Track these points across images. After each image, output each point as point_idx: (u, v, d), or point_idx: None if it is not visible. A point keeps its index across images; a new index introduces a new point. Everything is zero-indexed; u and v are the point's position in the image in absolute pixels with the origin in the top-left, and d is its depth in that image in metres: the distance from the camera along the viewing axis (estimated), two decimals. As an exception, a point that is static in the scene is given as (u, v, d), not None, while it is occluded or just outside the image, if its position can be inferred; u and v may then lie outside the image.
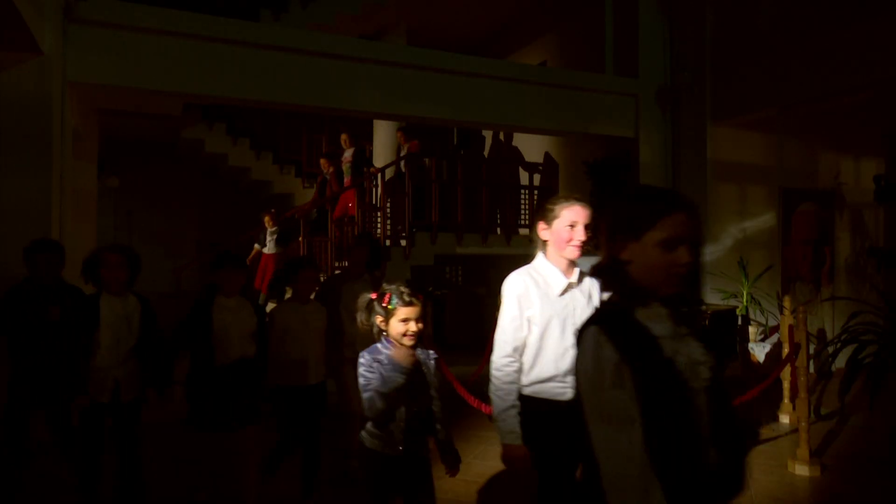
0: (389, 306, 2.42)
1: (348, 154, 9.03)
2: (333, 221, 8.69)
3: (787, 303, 5.52)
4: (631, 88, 7.27)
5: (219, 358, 3.38)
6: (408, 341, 2.42)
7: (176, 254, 10.83)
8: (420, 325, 2.44)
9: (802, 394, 4.24)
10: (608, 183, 7.50)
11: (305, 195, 10.01)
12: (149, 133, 9.97)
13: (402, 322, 2.41)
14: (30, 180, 4.76)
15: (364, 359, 2.42)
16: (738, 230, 7.20)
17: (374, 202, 8.71)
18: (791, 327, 4.91)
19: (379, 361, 2.39)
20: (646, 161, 7.27)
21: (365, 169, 8.81)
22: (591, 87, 7.13)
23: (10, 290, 3.83)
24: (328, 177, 9.31)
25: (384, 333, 2.46)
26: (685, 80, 7.18)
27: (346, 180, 8.97)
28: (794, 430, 4.93)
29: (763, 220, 7.38)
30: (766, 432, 5.16)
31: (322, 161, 9.43)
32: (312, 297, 3.86)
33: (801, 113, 6.98)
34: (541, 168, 9.17)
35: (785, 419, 5.46)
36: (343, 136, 9.13)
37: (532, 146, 9.64)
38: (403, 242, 8.11)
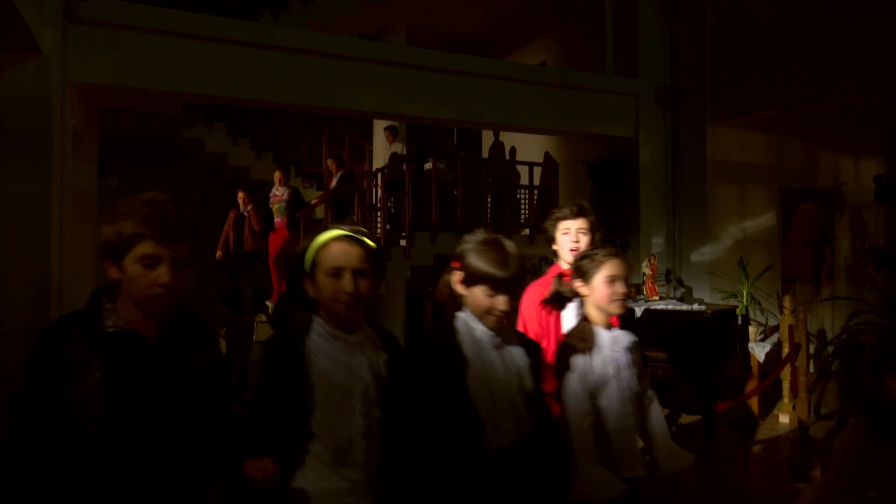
0: None
1: (282, 193, 8.21)
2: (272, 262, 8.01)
3: (787, 303, 5.52)
4: (631, 88, 7.27)
5: (490, 439, 1.75)
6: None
7: (176, 254, 10.79)
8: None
9: (802, 394, 4.24)
10: (608, 183, 7.50)
11: (305, 195, 9.97)
12: (149, 133, 9.95)
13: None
14: (30, 180, 4.76)
15: None
16: (738, 230, 7.20)
17: (374, 202, 8.71)
18: (791, 327, 4.91)
19: None
20: (646, 161, 7.28)
21: (296, 214, 7.97)
22: (591, 87, 7.13)
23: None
24: (246, 213, 8.27)
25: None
26: (685, 80, 7.18)
27: (276, 220, 8.18)
28: (795, 430, 4.93)
29: (763, 220, 7.38)
30: (766, 432, 5.16)
31: (240, 194, 8.32)
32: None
33: (801, 113, 6.97)
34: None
35: (785, 419, 5.46)
36: (277, 174, 8.33)
37: (532, 146, 9.64)
38: (403, 242, 8.11)
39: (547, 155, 9.44)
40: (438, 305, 2.02)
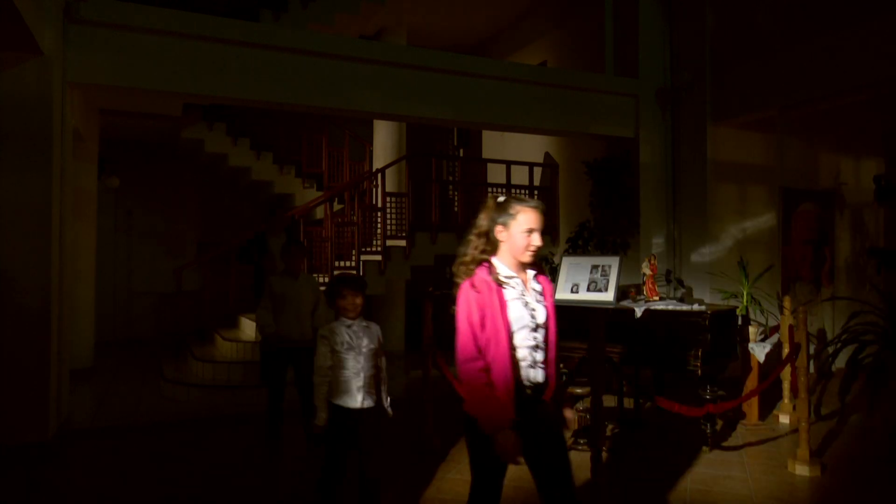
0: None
1: None
2: None
3: (787, 303, 5.52)
4: (631, 88, 7.27)
5: None
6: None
7: (176, 254, 10.83)
8: None
9: (802, 394, 4.24)
10: (608, 183, 7.51)
11: (305, 195, 9.98)
12: (149, 133, 9.95)
13: None
14: (30, 180, 4.76)
15: None
16: (738, 230, 7.21)
17: (374, 202, 8.71)
18: (791, 327, 4.91)
19: None
20: (646, 161, 7.28)
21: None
22: (591, 87, 7.13)
23: None
24: None
25: None
26: (685, 80, 7.18)
27: None
28: (794, 430, 4.92)
29: (763, 220, 7.38)
30: (766, 432, 5.16)
31: None
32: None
33: (801, 113, 6.97)
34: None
35: (785, 419, 5.46)
36: None
37: (532, 146, 9.63)
38: (403, 242, 8.11)
39: (547, 155, 9.44)
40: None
